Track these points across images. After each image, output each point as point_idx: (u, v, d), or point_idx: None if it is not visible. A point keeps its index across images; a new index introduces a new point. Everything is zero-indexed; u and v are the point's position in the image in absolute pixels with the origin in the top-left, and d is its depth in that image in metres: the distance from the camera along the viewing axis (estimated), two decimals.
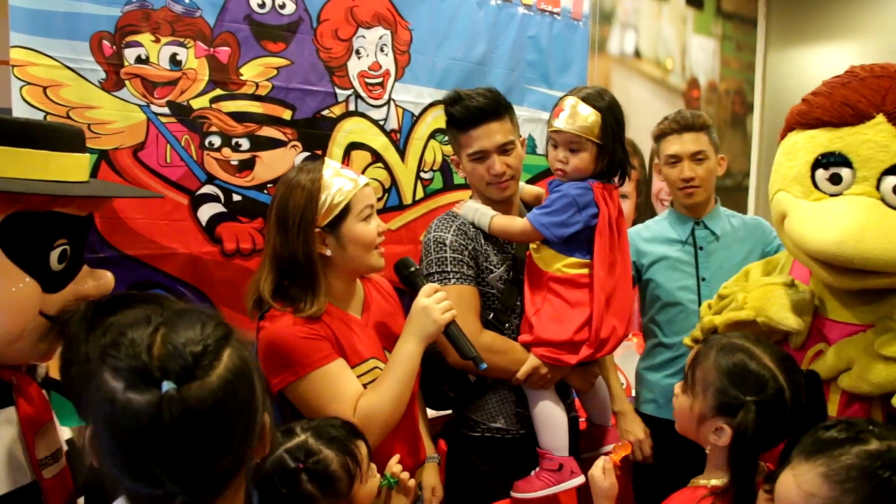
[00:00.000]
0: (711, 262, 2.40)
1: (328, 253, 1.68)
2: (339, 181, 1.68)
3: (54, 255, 1.23)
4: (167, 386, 0.83)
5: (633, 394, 2.86)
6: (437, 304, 1.69)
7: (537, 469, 1.96)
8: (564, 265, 1.93)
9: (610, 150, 1.92)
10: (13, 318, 1.18)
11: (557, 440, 1.96)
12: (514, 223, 1.98)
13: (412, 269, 1.80)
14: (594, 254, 1.91)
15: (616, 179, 1.99)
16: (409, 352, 1.67)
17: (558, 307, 1.93)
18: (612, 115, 1.92)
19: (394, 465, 1.60)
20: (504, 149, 1.98)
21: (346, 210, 1.67)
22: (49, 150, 1.24)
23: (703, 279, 2.39)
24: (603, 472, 1.64)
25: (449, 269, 1.94)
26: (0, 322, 1.17)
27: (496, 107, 1.99)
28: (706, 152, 2.38)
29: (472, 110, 1.97)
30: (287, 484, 1.35)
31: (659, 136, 2.49)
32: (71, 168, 1.29)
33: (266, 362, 1.62)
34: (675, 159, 2.40)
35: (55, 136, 1.27)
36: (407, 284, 1.80)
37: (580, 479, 1.91)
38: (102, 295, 1.32)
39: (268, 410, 0.97)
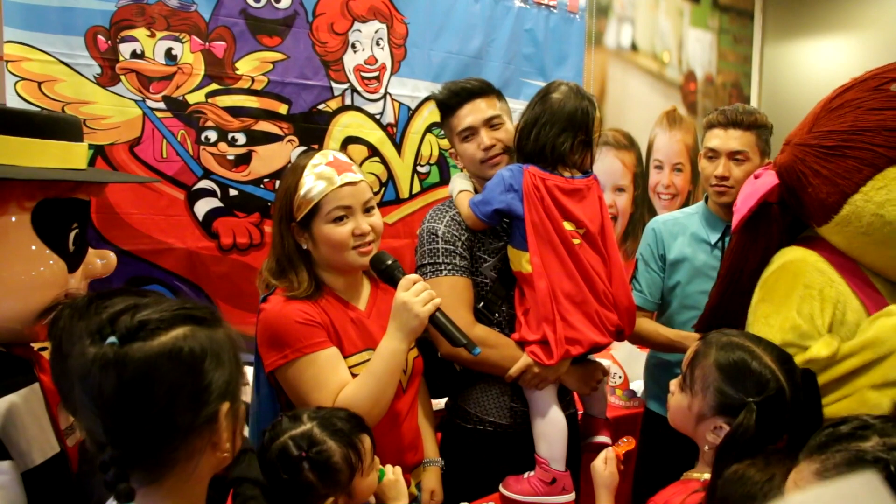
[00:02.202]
0: None
1: (305, 247, 1.71)
2: (317, 179, 1.66)
3: (71, 237, 1.32)
4: (109, 340, 0.91)
5: (631, 387, 2.87)
6: (417, 296, 1.63)
7: (531, 473, 1.94)
8: (525, 261, 1.91)
9: (533, 131, 1.92)
10: (47, 294, 1.27)
11: (555, 451, 1.94)
12: (463, 203, 1.98)
13: (388, 262, 1.75)
14: (528, 242, 1.88)
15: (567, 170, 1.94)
16: (390, 349, 1.63)
17: (531, 305, 1.92)
18: (556, 104, 1.92)
19: (392, 467, 1.61)
20: (492, 123, 2.00)
21: (314, 210, 1.66)
22: (67, 141, 1.33)
23: None
24: (604, 462, 1.64)
25: (441, 261, 1.94)
26: (37, 297, 1.25)
27: (481, 87, 2.03)
28: (748, 153, 2.23)
29: (456, 91, 2.02)
30: (288, 471, 1.37)
31: (706, 126, 2.36)
32: (81, 156, 1.37)
33: (261, 342, 1.65)
34: (714, 154, 2.29)
35: (64, 126, 1.34)
36: (385, 279, 1.77)
37: (570, 497, 1.91)
38: (109, 272, 1.42)
39: (232, 403, 0.98)
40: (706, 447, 1.44)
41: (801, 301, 1.66)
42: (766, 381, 1.37)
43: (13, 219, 1.23)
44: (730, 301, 1.89)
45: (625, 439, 1.78)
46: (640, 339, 2.41)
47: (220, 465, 1.02)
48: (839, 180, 1.61)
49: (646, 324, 2.36)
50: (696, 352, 1.48)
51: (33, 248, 1.25)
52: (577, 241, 1.90)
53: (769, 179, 1.80)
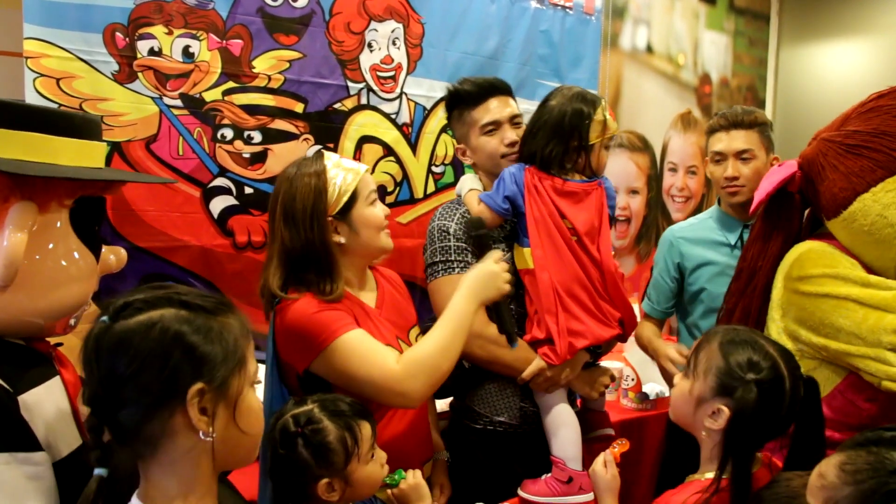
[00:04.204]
0: None
1: (342, 240, 1.69)
2: (343, 170, 1.70)
3: (93, 233, 1.35)
4: (101, 319, 0.99)
5: (644, 389, 2.85)
6: (503, 273, 1.69)
7: (548, 475, 1.94)
8: (528, 256, 1.91)
9: (529, 138, 1.97)
10: (86, 288, 1.32)
11: (569, 449, 1.93)
12: (472, 201, 1.99)
13: (484, 230, 1.82)
14: (529, 236, 1.89)
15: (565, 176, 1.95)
16: (464, 309, 1.64)
17: (535, 300, 1.93)
18: (549, 111, 1.95)
19: (412, 471, 1.60)
20: (515, 121, 2.03)
21: (354, 196, 1.69)
22: (96, 140, 1.37)
23: None
24: (604, 465, 1.63)
25: (453, 259, 1.93)
26: (74, 292, 1.29)
27: (503, 85, 2.06)
28: (754, 151, 2.27)
29: (482, 84, 2.04)
30: (285, 445, 1.39)
31: (708, 132, 2.39)
32: (103, 155, 1.40)
33: (289, 344, 1.62)
34: (721, 157, 2.31)
35: (94, 126, 1.38)
36: (477, 244, 1.81)
37: (588, 497, 1.90)
38: (120, 268, 1.46)
39: (209, 385, 0.99)
40: (703, 433, 1.45)
41: (850, 265, 1.69)
42: (766, 366, 1.40)
43: (56, 216, 1.26)
44: (751, 298, 1.88)
45: (620, 441, 1.77)
46: (643, 348, 2.45)
47: (213, 454, 1.02)
48: (853, 178, 1.66)
49: (649, 333, 2.42)
50: (700, 342, 1.50)
51: (72, 244, 1.29)
52: (574, 239, 1.92)
53: (789, 166, 1.84)
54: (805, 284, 1.70)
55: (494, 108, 2.01)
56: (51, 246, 1.25)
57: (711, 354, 1.45)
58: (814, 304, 1.67)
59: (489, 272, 1.67)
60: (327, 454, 1.38)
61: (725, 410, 1.39)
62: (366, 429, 1.45)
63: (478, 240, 1.81)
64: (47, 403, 1.22)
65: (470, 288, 1.66)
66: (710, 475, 1.42)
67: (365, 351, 1.58)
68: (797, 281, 1.72)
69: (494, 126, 2.00)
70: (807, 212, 1.91)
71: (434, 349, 1.59)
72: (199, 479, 1.03)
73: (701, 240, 2.39)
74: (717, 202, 2.45)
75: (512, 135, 2.00)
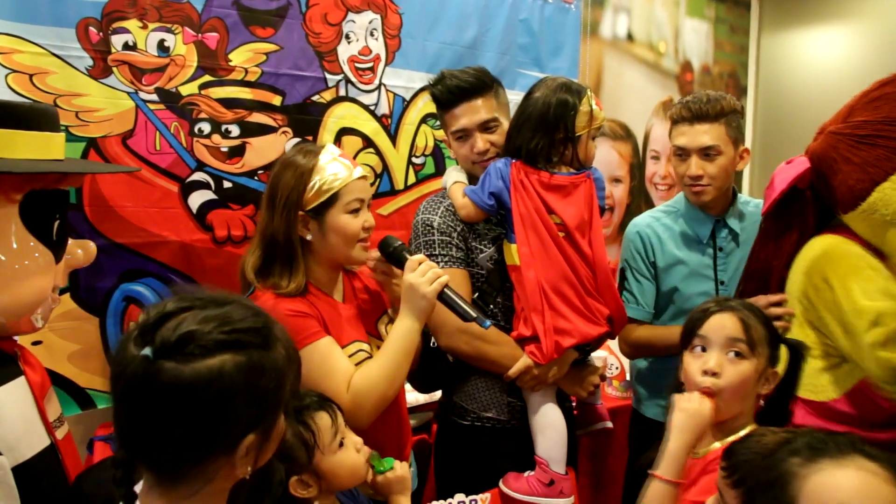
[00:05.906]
0: (729, 263, 2.17)
1: (309, 237, 1.68)
2: (334, 168, 1.66)
3: (54, 228, 1.32)
4: (144, 352, 0.89)
5: (628, 377, 2.86)
6: (423, 276, 1.64)
7: (531, 472, 1.93)
8: (514, 252, 1.89)
9: (514, 132, 1.93)
10: (43, 283, 1.28)
11: (554, 450, 1.92)
12: (457, 193, 1.97)
13: (396, 245, 1.75)
14: (515, 233, 1.87)
15: (549, 169, 1.91)
16: (404, 329, 1.64)
17: (522, 297, 1.91)
18: (533, 103, 1.91)
19: (399, 462, 1.60)
20: (487, 126, 1.96)
21: (333, 199, 1.65)
22: (48, 131, 1.33)
23: (722, 283, 2.17)
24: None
25: (437, 252, 1.92)
26: (28, 289, 1.26)
27: (479, 84, 1.96)
28: (720, 147, 2.07)
29: (452, 89, 1.96)
30: None
31: (671, 121, 2.20)
32: (60, 146, 1.37)
33: None
34: (683, 152, 2.13)
35: (45, 116, 1.34)
36: (393, 262, 1.77)
37: (567, 501, 1.90)
38: (89, 262, 1.42)
39: (259, 434, 0.96)
40: (761, 402, 1.60)
41: (871, 269, 1.68)
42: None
43: (4, 211, 1.23)
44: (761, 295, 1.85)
45: None
46: (647, 348, 2.27)
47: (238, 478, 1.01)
48: (869, 168, 1.64)
49: (648, 329, 2.24)
50: (744, 322, 1.57)
51: (23, 240, 1.25)
52: (562, 234, 1.90)
53: (800, 164, 1.80)
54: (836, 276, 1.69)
55: (463, 116, 1.95)
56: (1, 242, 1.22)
57: (761, 331, 1.57)
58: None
59: (408, 286, 1.65)
60: (286, 452, 1.35)
61: (777, 373, 1.59)
62: (322, 419, 1.44)
63: (390, 258, 1.76)
64: (9, 405, 1.20)
65: (402, 309, 1.67)
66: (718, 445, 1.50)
67: (323, 371, 1.59)
68: (825, 274, 1.71)
69: (464, 133, 1.97)
70: None
71: (381, 378, 1.61)
72: (222, 500, 1.01)
73: (673, 238, 2.25)
74: (683, 195, 2.27)
75: (481, 143, 1.95)
